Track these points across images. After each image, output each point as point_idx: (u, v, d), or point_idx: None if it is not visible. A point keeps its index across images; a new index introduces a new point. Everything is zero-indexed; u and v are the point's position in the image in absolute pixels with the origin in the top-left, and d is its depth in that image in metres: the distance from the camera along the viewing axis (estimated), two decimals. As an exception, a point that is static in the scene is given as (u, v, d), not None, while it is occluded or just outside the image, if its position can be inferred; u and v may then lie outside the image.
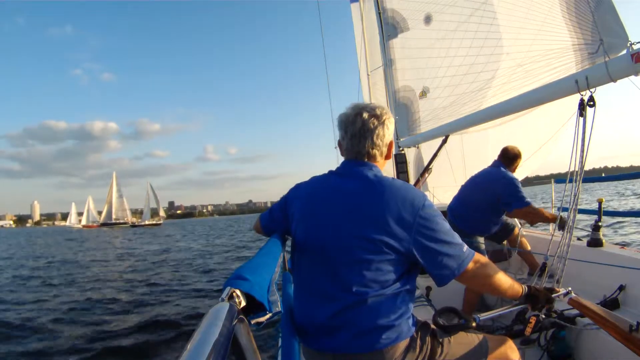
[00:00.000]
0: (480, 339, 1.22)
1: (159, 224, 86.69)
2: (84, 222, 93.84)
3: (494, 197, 2.64)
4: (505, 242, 3.23)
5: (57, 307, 6.66)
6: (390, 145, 1.20)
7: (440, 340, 1.14)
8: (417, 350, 1.07)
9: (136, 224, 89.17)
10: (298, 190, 1.25)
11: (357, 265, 1.03)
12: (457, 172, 4.17)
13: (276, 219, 1.30)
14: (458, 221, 2.79)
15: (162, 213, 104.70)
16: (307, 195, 1.20)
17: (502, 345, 1.24)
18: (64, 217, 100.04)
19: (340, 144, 1.23)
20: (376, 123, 1.14)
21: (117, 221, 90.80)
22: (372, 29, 4.84)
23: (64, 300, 7.28)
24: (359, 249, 1.03)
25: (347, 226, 1.05)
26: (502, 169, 2.72)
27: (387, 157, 1.22)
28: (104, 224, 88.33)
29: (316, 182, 1.22)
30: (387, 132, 1.17)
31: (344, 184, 1.13)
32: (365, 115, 1.14)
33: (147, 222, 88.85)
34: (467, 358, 1.17)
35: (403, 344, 1.05)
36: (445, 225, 1.07)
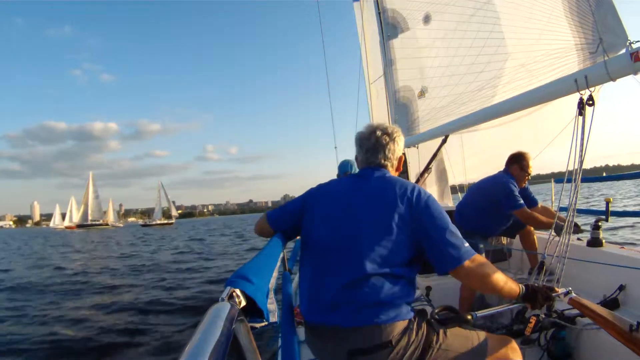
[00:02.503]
0: (482, 338, 1.23)
1: (171, 224, 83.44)
2: (66, 223, 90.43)
3: (491, 200, 2.72)
4: (506, 240, 3.24)
5: (49, 308, 6.66)
6: (400, 160, 1.38)
7: (436, 329, 1.18)
8: (414, 333, 1.12)
9: (148, 223, 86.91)
10: (321, 192, 1.36)
11: (370, 242, 1.12)
12: (456, 172, 4.17)
13: (289, 218, 1.38)
14: (462, 221, 2.85)
15: (174, 212, 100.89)
16: (333, 197, 1.30)
17: (504, 345, 1.24)
18: (63, 217, 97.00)
19: (357, 158, 1.41)
20: (388, 139, 1.33)
21: (94, 222, 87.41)
22: (373, 33, 4.84)
23: (55, 302, 7.27)
24: (373, 229, 1.14)
25: (366, 217, 1.17)
26: (504, 173, 2.78)
27: (398, 169, 1.39)
28: (79, 226, 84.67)
29: (339, 185, 1.36)
30: (397, 148, 1.35)
31: (364, 184, 1.27)
32: (379, 133, 1.33)
33: (157, 222, 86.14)
34: (466, 355, 1.17)
35: (401, 325, 1.10)
36: (449, 218, 1.18)
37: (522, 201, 2.64)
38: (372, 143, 1.33)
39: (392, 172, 1.35)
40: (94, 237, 38.13)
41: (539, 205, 2.93)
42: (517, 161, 2.76)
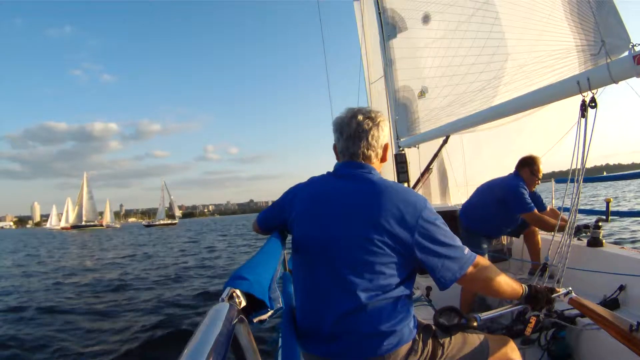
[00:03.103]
0: (481, 339, 1.22)
1: (174, 224, 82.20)
2: (62, 224, 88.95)
3: (501, 202, 2.72)
4: (506, 240, 3.25)
5: (49, 308, 6.65)
6: (385, 148, 1.22)
7: (441, 341, 1.14)
8: (419, 353, 1.08)
9: (151, 223, 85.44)
10: (297, 191, 1.24)
11: (360, 267, 1.03)
12: (457, 173, 4.17)
13: (274, 219, 1.31)
14: (468, 221, 2.85)
15: (177, 212, 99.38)
16: (309, 197, 1.19)
17: (503, 345, 1.24)
18: (60, 217, 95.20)
19: (335, 147, 1.25)
20: (371, 124, 1.17)
21: (88, 223, 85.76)
22: (373, 33, 4.84)
23: (55, 301, 7.27)
24: (362, 251, 1.03)
25: (350, 228, 1.05)
26: (514, 176, 2.78)
27: (383, 159, 1.23)
28: (74, 227, 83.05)
29: (316, 184, 1.22)
30: (382, 134, 1.20)
31: (346, 186, 1.13)
32: (360, 117, 1.17)
33: (161, 222, 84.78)
34: (468, 358, 1.17)
35: (404, 348, 1.05)
36: (446, 228, 1.08)
37: (532, 204, 2.64)
38: (353, 129, 1.16)
39: (377, 163, 1.21)
40: (78, 239, 36.92)
41: (548, 209, 2.93)
42: (528, 165, 2.76)
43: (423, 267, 1.07)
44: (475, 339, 1.21)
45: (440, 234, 1.05)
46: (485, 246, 2.83)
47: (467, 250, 1.09)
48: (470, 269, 1.07)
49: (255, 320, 0.77)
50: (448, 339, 1.16)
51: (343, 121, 1.19)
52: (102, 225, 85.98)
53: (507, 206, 2.69)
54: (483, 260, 1.11)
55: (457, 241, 1.09)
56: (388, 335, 1.02)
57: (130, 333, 5.02)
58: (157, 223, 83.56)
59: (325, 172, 1.26)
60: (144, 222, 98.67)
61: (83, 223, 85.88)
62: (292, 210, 1.21)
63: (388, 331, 1.02)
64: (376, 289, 1.02)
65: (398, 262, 1.04)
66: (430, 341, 1.12)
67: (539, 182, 2.80)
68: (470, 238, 2.79)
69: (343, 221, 1.07)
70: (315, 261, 1.10)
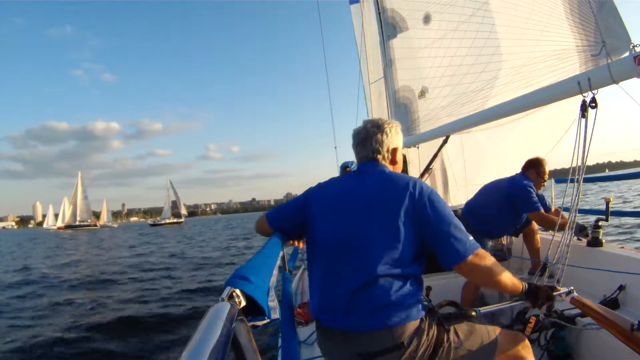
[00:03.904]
0: (491, 333, 1.22)
1: (180, 222, 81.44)
2: (58, 223, 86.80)
3: (509, 201, 2.73)
4: (506, 240, 3.25)
5: (51, 308, 6.67)
6: (394, 152, 1.35)
7: (447, 327, 1.17)
8: (425, 333, 1.11)
9: (157, 222, 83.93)
10: (320, 191, 1.35)
11: (377, 243, 1.12)
12: (457, 173, 4.17)
13: (289, 217, 1.38)
14: (473, 219, 2.85)
15: (183, 211, 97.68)
16: (332, 195, 1.30)
17: (515, 341, 1.24)
18: (57, 217, 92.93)
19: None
20: (376, 130, 1.33)
21: (82, 223, 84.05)
22: (373, 33, 4.84)
23: (56, 301, 7.28)
24: (379, 229, 1.13)
25: (369, 215, 1.16)
26: (522, 176, 2.80)
27: (393, 162, 1.35)
28: (67, 226, 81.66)
29: (338, 183, 1.35)
30: (387, 139, 1.33)
31: (363, 181, 1.26)
32: (368, 125, 1.35)
33: (167, 221, 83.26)
34: (476, 352, 1.17)
35: (412, 325, 1.09)
36: (452, 213, 1.17)
37: (539, 204, 2.66)
38: (362, 136, 1.34)
39: (387, 165, 1.33)
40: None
41: (552, 210, 2.94)
42: (535, 167, 2.78)
43: (430, 245, 1.14)
44: (484, 333, 1.21)
45: (447, 215, 1.14)
46: (488, 246, 2.83)
47: (471, 237, 1.14)
48: (472, 257, 1.11)
49: (249, 324, 0.77)
50: (453, 327, 1.18)
51: (356, 131, 1.38)
52: (95, 226, 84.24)
53: (514, 205, 2.70)
54: (485, 252, 1.15)
55: (463, 227, 1.16)
56: (397, 307, 1.08)
57: (131, 332, 5.03)
58: (163, 222, 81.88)
59: (332, 172, 1.35)
60: (149, 221, 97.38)
61: (77, 223, 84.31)
62: (314, 208, 1.30)
63: (397, 303, 1.09)
64: (388, 263, 1.10)
65: (411, 238, 1.13)
66: (435, 325, 1.15)
67: (545, 184, 2.82)
68: (474, 238, 2.78)
69: (364, 211, 1.17)
70: (338, 251, 1.18)
